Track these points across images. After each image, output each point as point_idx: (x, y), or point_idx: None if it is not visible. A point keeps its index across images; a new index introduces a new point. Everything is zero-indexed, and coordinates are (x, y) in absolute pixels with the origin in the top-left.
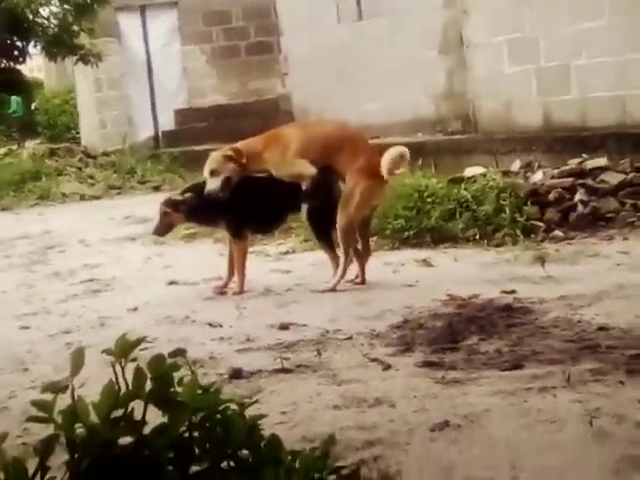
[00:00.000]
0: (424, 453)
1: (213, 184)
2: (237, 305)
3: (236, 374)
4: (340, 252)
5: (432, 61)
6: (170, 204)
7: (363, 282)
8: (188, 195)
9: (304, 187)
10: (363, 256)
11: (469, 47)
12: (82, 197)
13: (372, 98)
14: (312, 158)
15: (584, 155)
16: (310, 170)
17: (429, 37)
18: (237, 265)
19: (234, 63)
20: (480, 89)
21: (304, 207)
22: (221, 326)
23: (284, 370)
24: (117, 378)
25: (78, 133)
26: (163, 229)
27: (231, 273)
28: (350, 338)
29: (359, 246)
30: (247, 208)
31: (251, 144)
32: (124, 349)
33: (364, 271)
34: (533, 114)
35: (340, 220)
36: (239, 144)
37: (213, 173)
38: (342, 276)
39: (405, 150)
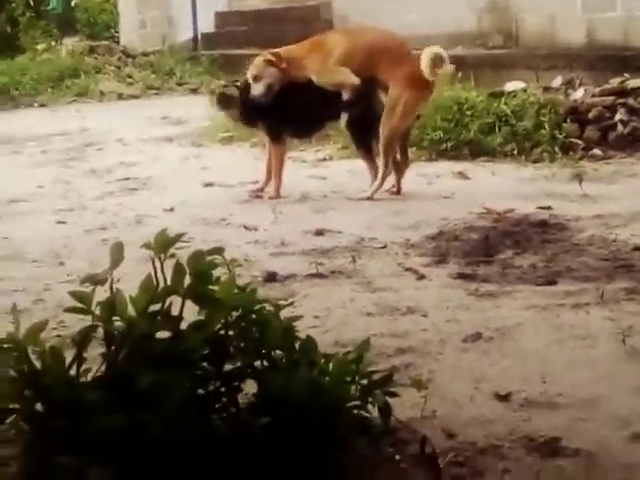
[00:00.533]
0: (455, 363)
1: (257, 89)
2: (273, 209)
3: (270, 277)
4: (379, 161)
5: None
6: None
7: (399, 192)
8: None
9: (345, 96)
10: (401, 166)
11: None
12: (120, 96)
13: (413, 9)
14: (355, 66)
15: (626, 74)
16: (352, 79)
17: None
18: (274, 168)
19: None
20: (524, 2)
21: (344, 116)
22: (256, 229)
23: (318, 275)
24: (156, 273)
25: (117, 32)
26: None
27: (268, 177)
28: (385, 247)
29: (397, 156)
30: (286, 112)
31: (293, 50)
32: (164, 244)
33: (400, 181)
34: (576, 30)
35: (383, 130)
36: (281, 49)
37: (256, 78)
38: (380, 186)
39: (438, 49)
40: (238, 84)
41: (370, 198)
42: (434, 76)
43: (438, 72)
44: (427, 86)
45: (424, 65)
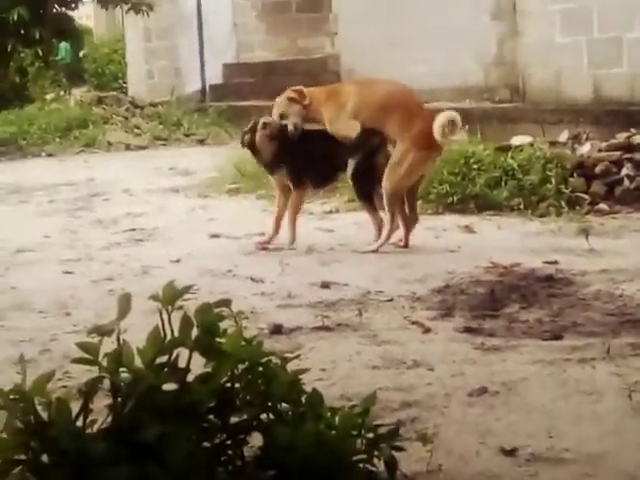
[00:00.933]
0: (461, 417)
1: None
2: (279, 261)
3: (277, 329)
4: (383, 215)
5: (484, 27)
6: (271, 126)
7: (406, 246)
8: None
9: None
10: (410, 222)
11: (522, 14)
12: (127, 146)
13: (421, 62)
14: (364, 119)
15: (632, 130)
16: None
17: (482, 2)
18: (290, 214)
19: (284, 19)
20: (531, 58)
21: (350, 166)
22: (263, 281)
23: (324, 328)
24: (163, 325)
25: (125, 83)
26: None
27: (276, 230)
28: (391, 300)
29: (406, 211)
30: (309, 158)
31: (314, 92)
32: (171, 296)
33: (409, 236)
34: (583, 86)
35: (385, 185)
36: (302, 87)
37: (282, 117)
38: (386, 240)
39: (454, 115)
40: (279, 124)
41: (375, 251)
42: (446, 142)
43: (451, 139)
44: (436, 147)
45: (437, 130)
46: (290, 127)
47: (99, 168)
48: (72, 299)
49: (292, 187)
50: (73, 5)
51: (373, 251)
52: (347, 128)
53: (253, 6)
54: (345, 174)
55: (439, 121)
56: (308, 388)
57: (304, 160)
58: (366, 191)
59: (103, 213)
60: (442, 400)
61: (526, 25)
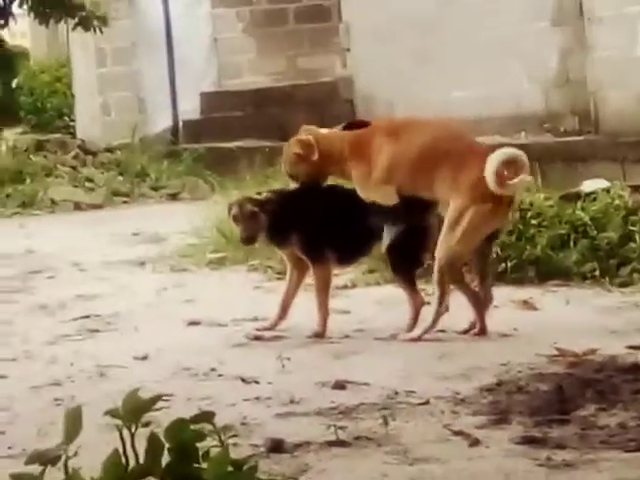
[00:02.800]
0: None
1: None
2: (278, 355)
3: (276, 446)
4: (433, 294)
5: (541, 37)
6: (256, 203)
7: (482, 332)
8: (269, 194)
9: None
10: (483, 299)
11: (591, 20)
12: (77, 206)
13: (460, 84)
14: (403, 180)
15: None
16: (390, 202)
17: (538, 5)
18: (320, 297)
19: (280, 33)
20: (604, 76)
21: (387, 232)
22: (257, 382)
23: (339, 443)
24: (124, 447)
25: (73, 121)
26: (253, 235)
27: (283, 313)
28: (426, 403)
29: (476, 286)
30: (329, 223)
31: (333, 140)
32: (135, 410)
33: (483, 318)
34: None
35: (439, 253)
36: (311, 135)
37: (291, 177)
38: (434, 325)
39: (513, 152)
40: (261, 196)
41: (418, 340)
42: (503, 188)
43: (511, 184)
44: (501, 197)
45: (490, 177)
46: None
47: (40, 235)
48: (6, 412)
49: (310, 262)
50: (1, 22)
51: (415, 339)
52: (379, 197)
53: (239, 17)
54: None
55: (492, 164)
56: None
57: (321, 226)
58: (407, 262)
59: (47, 296)
60: None
61: (597, 34)
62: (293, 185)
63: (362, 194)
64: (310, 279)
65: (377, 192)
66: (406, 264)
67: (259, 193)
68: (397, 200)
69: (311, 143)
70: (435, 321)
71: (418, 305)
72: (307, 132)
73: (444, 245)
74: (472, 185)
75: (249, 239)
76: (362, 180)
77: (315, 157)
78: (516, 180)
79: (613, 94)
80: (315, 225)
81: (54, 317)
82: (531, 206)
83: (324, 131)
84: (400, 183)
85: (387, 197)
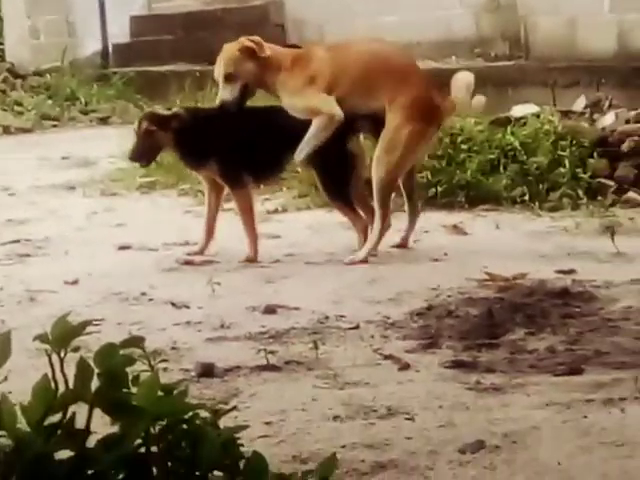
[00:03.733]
0: None
1: (228, 92)
2: (208, 280)
3: (206, 371)
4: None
5: None
6: (156, 119)
7: (405, 245)
8: (178, 110)
9: (313, 126)
10: (411, 216)
11: None
12: (6, 129)
13: (390, 8)
14: (344, 92)
15: None
16: (332, 109)
17: None
18: (246, 222)
19: None
20: (535, 1)
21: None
22: (188, 307)
23: (270, 367)
24: (54, 373)
25: (1, 44)
26: (145, 153)
27: (208, 236)
28: (357, 327)
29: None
30: (245, 146)
31: (277, 49)
32: (64, 335)
33: (410, 233)
34: (604, 36)
35: (378, 170)
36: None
37: (229, 78)
38: (377, 244)
39: (471, 76)
40: (175, 110)
41: (365, 261)
42: (465, 108)
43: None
44: (437, 115)
45: (461, 93)
46: (226, 95)
47: None
48: None
49: (229, 187)
50: None
51: (362, 261)
52: (317, 103)
53: None
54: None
55: (462, 81)
56: (248, 450)
57: (239, 149)
58: (339, 187)
59: None
60: (426, 459)
61: None
62: (226, 94)
63: (294, 104)
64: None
65: (313, 98)
66: (339, 188)
67: (169, 108)
68: (339, 111)
69: (261, 42)
70: (379, 240)
71: (363, 227)
72: (249, 39)
73: (383, 163)
74: (410, 104)
75: (138, 157)
76: (297, 89)
77: (267, 53)
78: (476, 99)
79: (544, 19)
80: (232, 149)
81: None
82: (461, 131)
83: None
84: (340, 95)
85: (324, 102)
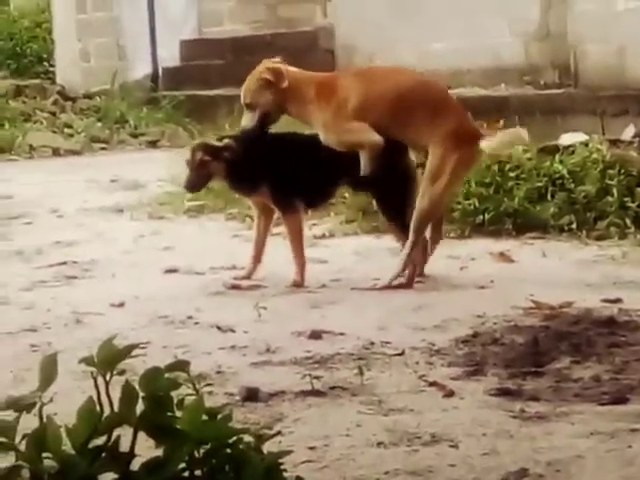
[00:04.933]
0: None
1: (249, 119)
2: (255, 304)
3: (251, 395)
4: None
5: None
6: (210, 150)
7: (421, 274)
8: (229, 141)
9: (363, 162)
10: (432, 242)
11: None
12: (55, 152)
13: (440, 36)
14: (375, 121)
15: None
16: (374, 138)
17: None
18: (294, 247)
19: None
20: (585, 29)
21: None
22: (233, 331)
23: (314, 392)
24: (99, 396)
25: (53, 66)
26: (199, 182)
27: (256, 261)
28: (402, 354)
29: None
30: (296, 171)
31: (300, 77)
32: (110, 359)
33: (426, 261)
34: None
35: (422, 202)
36: (282, 65)
37: (248, 106)
38: (403, 270)
39: (526, 136)
40: (227, 142)
41: (387, 287)
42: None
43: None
44: (476, 144)
45: (495, 144)
46: (246, 122)
47: (18, 181)
48: None
49: (280, 211)
50: None
51: (384, 287)
52: (353, 134)
53: None
54: (345, 186)
55: (504, 138)
56: (294, 473)
57: (290, 174)
58: (399, 212)
59: (23, 241)
60: None
61: None
62: (246, 121)
63: (330, 137)
64: (283, 228)
65: (349, 131)
66: (398, 213)
67: (220, 138)
68: (378, 137)
69: (282, 71)
70: (405, 267)
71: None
72: (267, 68)
73: (428, 194)
74: (450, 134)
75: (192, 186)
76: (329, 120)
77: (285, 85)
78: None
79: (593, 48)
80: (284, 174)
81: (31, 263)
82: (510, 159)
83: (292, 68)
84: (373, 122)
85: (363, 135)
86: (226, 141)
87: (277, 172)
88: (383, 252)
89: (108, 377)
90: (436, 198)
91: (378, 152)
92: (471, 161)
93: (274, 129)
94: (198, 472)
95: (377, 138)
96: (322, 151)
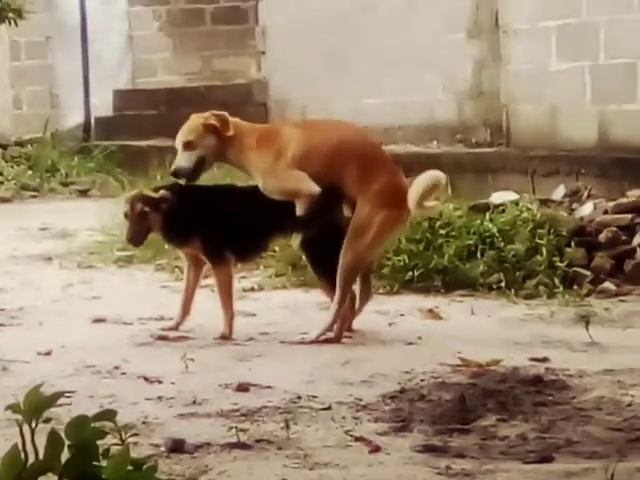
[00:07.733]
0: None
1: (185, 160)
2: (182, 356)
3: (177, 447)
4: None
5: (457, 48)
6: (148, 201)
7: (349, 329)
8: (165, 192)
9: (299, 210)
10: (361, 299)
11: (506, 33)
12: None
13: (374, 92)
14: (314, 171)
15: None
16: (310, 187)
17: (455, 16)
18: (223, 299)
19: (195, 33)
20: (517, 89)
21: (298, 235)
22: (160, 382)
23: (240, 445)
24: (24, 443)
25: None
26: (141, 234)
27: (184, 312)
28: (329, 408)
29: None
30: (229, 223)
31: (243, 127)
32: (36, 406)
33: (354, 317)
34: (585, 126)
35: (345, 257)
36: (226, 115)
37: (187, 146)
38: (331, 326)
39: (442, 176)
40: (157, 194)
41: (316, 341)
42: (420, 209)
43: (425, 205)
44: (406, 204)
45: (412, 195)
46: (182, 162)
47: None
48: None
49: (211, 263)
50: None
51: (311, 341)
52: (291, 181)
53: (155, 15)
54: (282, 238)
55: (420, 186)
56: None
57: (222, 226)
58: (327, 266)
59: None
60: None
61: (512, 47)
62: (181, 161)
63: (268, 185)
64: (212, 280)
65: (287, 179)
66: (326, 266)
67: (156, 189)
68: (315, 187)
69: (227, 119)
70: (334, 320)
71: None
72: (214, 115)
73: (352, 249)
74: (380, 192)
75: (134, 239)
76: (269, 168)
77: (230, 133)
78: (432, 204)
79: (525, 107)
80: (216, 226)
81: None
82: (440, 216)
83: (233, 118)
84: (311, 172)
85: (301, 183)
86: (162, 192)
87: (209, 224)
88: (312, 306)
89: (34, 425)
90: (359, 255)
91: (313, 202)
92: (399, 221)
93: (207, 181)
94: None
95: (314, 188)
96: (256, 204)
